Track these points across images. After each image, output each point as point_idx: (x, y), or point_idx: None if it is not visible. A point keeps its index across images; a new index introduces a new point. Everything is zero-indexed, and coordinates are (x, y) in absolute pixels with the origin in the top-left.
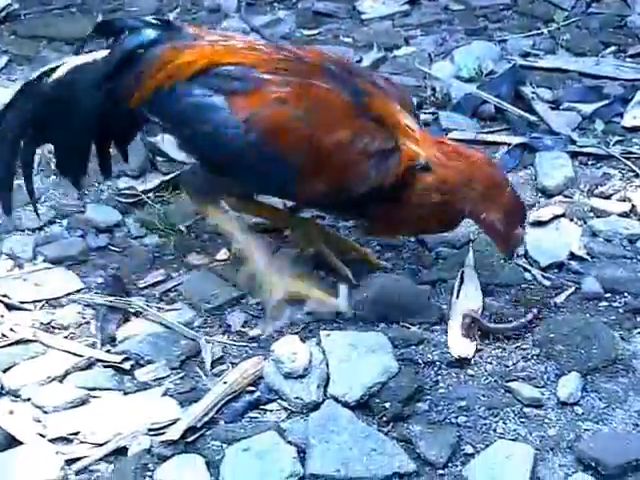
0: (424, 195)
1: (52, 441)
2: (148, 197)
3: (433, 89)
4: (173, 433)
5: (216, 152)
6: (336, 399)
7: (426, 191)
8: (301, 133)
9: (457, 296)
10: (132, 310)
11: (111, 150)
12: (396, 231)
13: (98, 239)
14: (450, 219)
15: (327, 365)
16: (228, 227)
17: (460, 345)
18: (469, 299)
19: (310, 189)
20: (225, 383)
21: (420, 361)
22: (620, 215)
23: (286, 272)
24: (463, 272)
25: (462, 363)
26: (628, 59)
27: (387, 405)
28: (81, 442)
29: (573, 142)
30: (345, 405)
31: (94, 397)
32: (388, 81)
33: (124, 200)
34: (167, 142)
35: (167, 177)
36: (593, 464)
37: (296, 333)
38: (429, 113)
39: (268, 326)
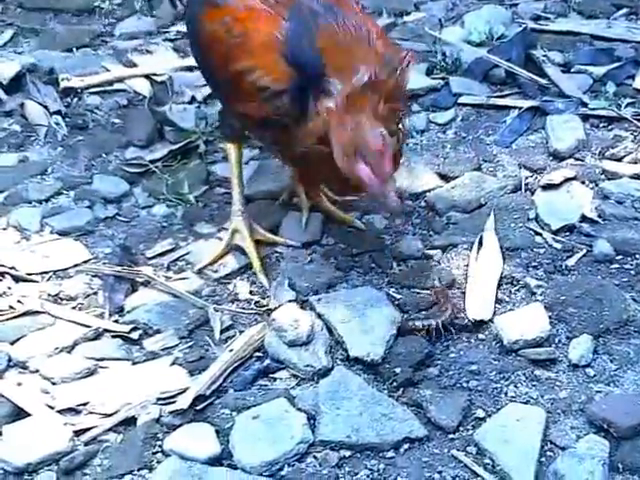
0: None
1: (60, 412)
2: (156, 167)
3: (443, 54)
4: (182, 402)
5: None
6: (359, 361)
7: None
8: (220, 54)
9: (476, 259)
10: (140, 280)
11: None
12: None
13: (106, 210)
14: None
15: (330, 330)
16: (231, 169)
17: (478, 308)
18: (489, 263)
19: (230, 109)
20: (231, 351)
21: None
22: (632, 177)
23: (251, 224)
24: (482, 236)
25: (478, 327)
26: None
27: (397, 370)
28: (90, 413)
29: (584, 105)
30: (371, 365)
31: (102, 367)
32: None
33: (132, 170)
34: (175, 111)
35: (175, 146)
36: (605, 426)
37: (292, 301)
38: (439, 78)
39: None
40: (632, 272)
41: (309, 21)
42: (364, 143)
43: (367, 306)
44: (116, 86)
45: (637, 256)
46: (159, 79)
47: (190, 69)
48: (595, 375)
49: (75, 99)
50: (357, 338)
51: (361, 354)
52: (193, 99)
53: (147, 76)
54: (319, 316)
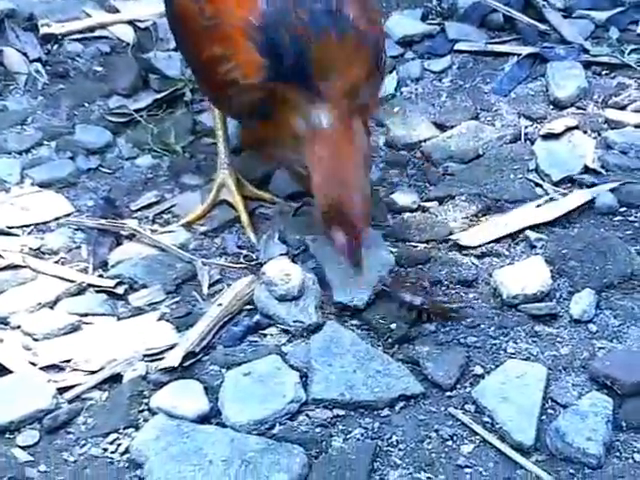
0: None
1: (43, 369)
2: (140, 116)
3: None
4: (172, 359)
5: None
6: (343, 306)
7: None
8: (191, 36)
9: None
10: (125, 233)
11: None
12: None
13: (88, 161)
14: None
15: (321, 283)
16: (214, 122)
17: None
18: None
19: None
20: (220, 305)
21: (427, 281)
22: (636, 126)
23: (238, 178)
24: None
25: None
26: None
27: (393, 326)
28: (73, 370)
29: (586, 51)
30: (356, 310)
31: (86, 323)
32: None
33: (115, 120)
34: (160, 58)
35: (160, 95)
36: (608, 383)
37: (283, 254)
38: (435, 24)
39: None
40: (636, 225)
41: (290, 5)
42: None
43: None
44: (98, 32)
45: None
46: (143, 25)
47: None
48: (597, 331)
49: (55, 46)
50: (344, 282)
51: (345, 299)
52: None
53: (130, 22)
54: (311, 257)
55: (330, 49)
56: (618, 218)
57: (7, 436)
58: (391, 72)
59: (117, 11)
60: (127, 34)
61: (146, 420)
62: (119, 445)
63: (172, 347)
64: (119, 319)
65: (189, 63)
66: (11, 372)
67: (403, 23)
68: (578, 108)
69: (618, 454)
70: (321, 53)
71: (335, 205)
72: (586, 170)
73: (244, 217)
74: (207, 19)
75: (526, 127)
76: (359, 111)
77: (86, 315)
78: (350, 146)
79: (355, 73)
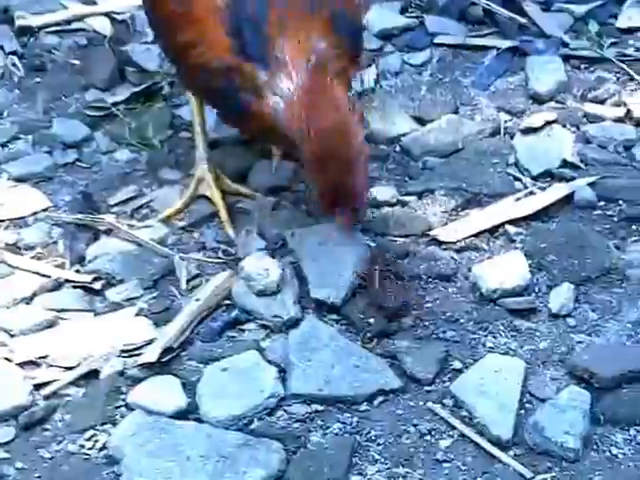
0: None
1: (20, 365)
2: (118, 110)
3: None
4: (149, 355)
5: None
6: (321, 302)
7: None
8: (163, 20)
9: None
10: (102, 228)
11: None
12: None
13: (66, 155)
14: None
15: (300, 278)
16: (193, 115)
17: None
18: None
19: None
20: (198, 300)
21: (406, 275)
22: (615, 120)
23: (217, 172)
24: None
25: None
26: None
27: (371, 321)
28: (50, 366)
29: (565, 45)
30: (331, 308)
31: (63, 319)
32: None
33: (93, 113)
34: (137, 51)
35: (138, 88)
36: (586, 376)
37: (261, 249)
38: (414, 17)
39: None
40: (615, 219)
41: None
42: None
43: (339, 243)
44: (75, 25)
45: (620, 202)
46: (120, 18)
47: None
48: (576, 325)
49: (32, 39)
50: (322, 279)
51: (322, 296)
52: None
53: (107, 14)
54: (290, 252)
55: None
56: (597, 212)
57: None
58: (370, 66)
59: (94, 3)
60: (104, 27)
61: (123, 416)
62: (96, 441)
63: (150, 342)
64: (96, 314)
65: (164, 49)
66: None
67: (382, 16)
68: (557, 102)
69: (596, 448)
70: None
71: (335, 184)
72: (565, 164)
73: (222, 212)
74: (178, 3)
75: (505, 121)
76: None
77: (63, 311)
78: (337, 109)
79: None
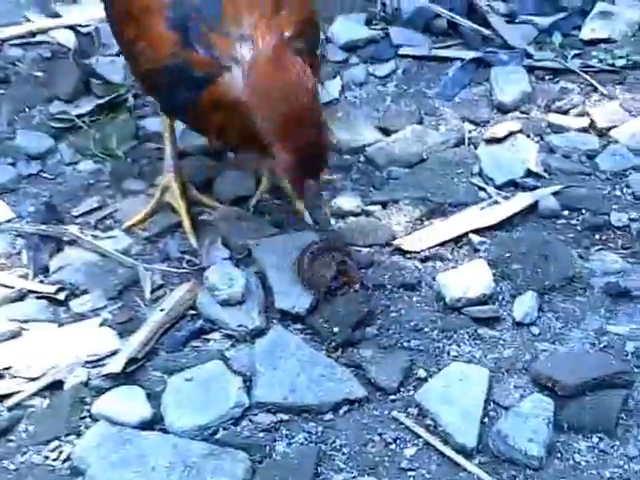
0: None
1: None
2: (82, 121)
3: (383, 4)
4: (114, 366)
5: None
6: (286, 312)
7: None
8: (115, 16)
9: None
10: (66, 239)
11: None
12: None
13: (29, 166)
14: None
15: (264, 287)
16: (163, 123)
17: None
18: None
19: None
20: (162, 310)
21: (370, 284)
22: (578, 130)
23: (183, 181)
24: None
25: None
26: None
27: (336, 330)
28: (14, 377)
29: (529, 56)
30: (296, 318)
31: (27, 330)
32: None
33: (56, 125)
34: (101, 63)
35: (102, 100)
36: (549, 384)
37: (226, 259)
38: (379, 29)
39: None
40: (578, 228)
41: None
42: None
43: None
44: (39, 37)
45: (583, 211)
46: (84, 30)
47: None
48: (540, 333)
49: None
50: (287, 289)
51: (287, 306)
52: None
53: (72, 27)
54: (255, 262)
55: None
56: (560, 221)
57: None
58: (335, 77)
59: (58, 16)
60: (68, 39)
61: (88, 427)
62: (61, 452)
63: (114, 353)
64: (60, 325)
65: (121, 50)
66: None
67: (347, 28)
68: (521, 112)
69: (559, 455)
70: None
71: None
72: (529, 174)
73: (186, 222)
74: (126, 1)
75: (470, 131)
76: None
77: (27, 321)
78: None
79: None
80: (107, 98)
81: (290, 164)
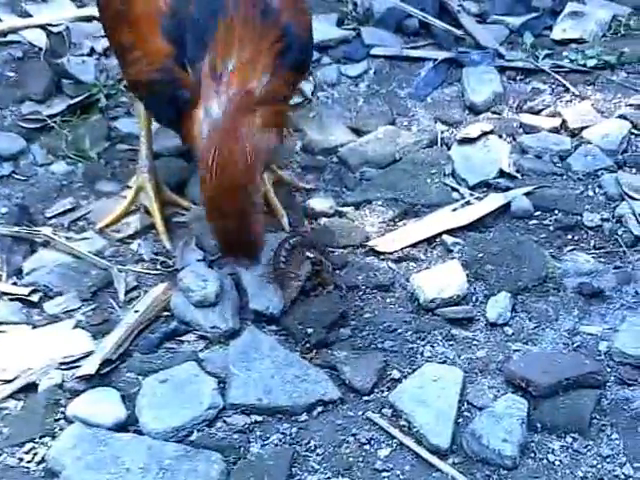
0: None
1: None
2: (54, 122)
3: (354, 4)
4: (89, 367)
5: None
6: (259, 313)
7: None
8: (109, 19)
9: None
10: (39, 240)
11: None
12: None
13: (2, 167)
14: None
15: (239, 289)
16: (139, 123)
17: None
18: None
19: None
20: (137, 312)
21: (344, 286)
22: (550, 131)
23: (157, 182)
24: None
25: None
26: None
27: (310, 331)
28: None
29: (501, 56)
30: (270, 319)
31: (0, 332)
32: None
33: (28, 126)
34: (73, 63)
35: (74, 100)
36: (523, 385)
37: (200, 260)
38: (350, 29)
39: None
40: (551, 228)
41: None
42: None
43: None
44: (10, 37)
45: (556, 212)
46: (56, 30)
47: (89, 19)
48: (513, 333)
49: None
50: (261, 290)
51: (261, 307)
52: (92, 51)
53: (43, 27)
54: (228, 263)
55: (233, 35)
56: (533, 222)
57: None
58: (307, 77)
59: (29, 16)
60: (40, 39)
61: (62, 429)
62: (35, 454)
63: (88, 355)
64: (34, 327)
65: (111, 49)
66: None
67: (319, 28)
68: (493, 113)
69: (533, 455)
70: (223, 39)
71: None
72: (501, 174)
73: (159, 223)
74: (121, 3)
75: (442, 132)
76: (267, 103)
77: (0, 324)
78: (236, 143)
79: (262, 62)
80: (79, 98)
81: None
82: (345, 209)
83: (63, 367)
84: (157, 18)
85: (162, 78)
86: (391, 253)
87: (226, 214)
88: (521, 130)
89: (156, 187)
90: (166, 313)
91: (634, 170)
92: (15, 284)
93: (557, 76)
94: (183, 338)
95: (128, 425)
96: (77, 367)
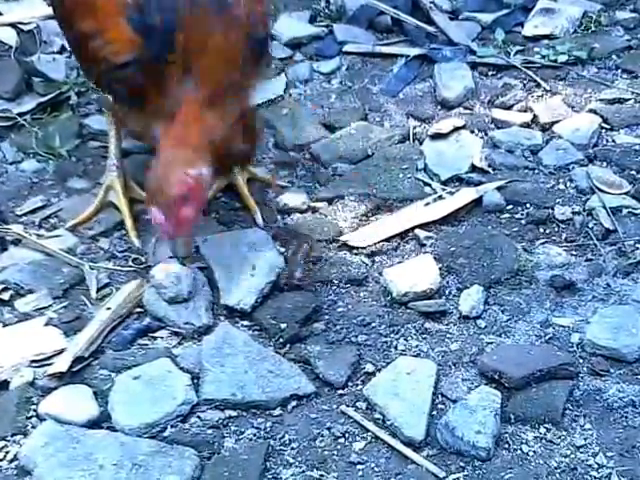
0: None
1: None
2: (25, 120)
3: (327, 1)
4: (60, 364)
5: None
6: (231, 309)
7: None
8: (66, 7)
9: None
10: (10, 238)
11: None
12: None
13: None
14: None
15: (211, 285)
16: (108, 122)
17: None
18: None
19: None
20: (109, 309)
21: (317, 280)
22: (521, 126)
23: (126, 181)
24: None
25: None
26: None
27: (283, 326)
28: None
29: (473, 53)
30: (243, 314)
31: None
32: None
33: None
34: (44, 61)
35: (44, 98)
36: (496, 377)
37: (172, 257)
38: (323, 26)
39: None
40: (523, 222)
41: None
42: (164, 185)
43: (251, 250)
44: None
45: (527, 205)
46: (26, 28)
47: None
48: (486, 326)
49: None
50: (233, 285)
51: (232, 302)
52: (63, 49)
53: (13, 25)
54: (202, 258)
55: (202, 27)
56: (505, 215)
57: None
58: (280, 74)
59: (0, 14)
60: (10, 37)
61: (34, 426)
62: (7, 452)
63: (60, 352)
64: (5, 325)
65: (66, 36)
66: None
67: (291, 25)
68: (465, 108)
69: (507, 446)
70: (192, 32)
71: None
72: (473, 169)
73: (128, 221)
74: None
75: (414, 127)
76: (233, 93)
77: None
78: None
79: (227, 54)
80: (49, 96)
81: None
82: (318, 204)
83: (35, 365)
84: (123, 8)
85: (124, 68)
86: (364, 248)
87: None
88: (493, 125)
89: (125, 185)
90: (139, 310)
91: (604, 164)
92: None
93: (528, 72)
94: (156, 334)
95: (101, 422)
96: (49, 365)
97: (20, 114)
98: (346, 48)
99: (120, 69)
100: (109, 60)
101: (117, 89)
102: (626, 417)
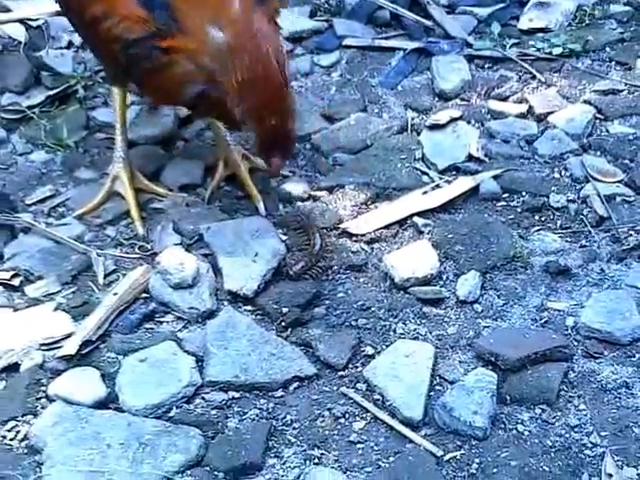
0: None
1: None
2: (33, 112)
3: None
4: (69, 347)
5: None
6: (234, 294)
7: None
8: None
9: None
10: (20, 226)
11: None
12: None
13: None
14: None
15: (215, 270)
16: (115, 113)
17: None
18: None
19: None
20: (116, 294)
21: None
22: (517, 116)
23: (132, 171)
24: None
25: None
26: None
27: (285, 310)
28: None
29: (469, 46)
30: (247, 299)
31: None
32: None
33: (8, 116)
34: (52, 56)
35: (53, 92)
36: (492, 359)
37: (177, 244)
38: (323, 20)
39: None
40: (518, 209)
41: None
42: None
43: (254, 237)
44: None
45: (523, 193)
46: (34, 24)
47: None
48: (482, 310)
49: None
50: (236, 271)
51: (235, 288)
52: (70, 44)
53: (22, 21)
54: (206, 246)
55: None
56: (501, 203)
57: None
58: None
59: (8, 10)
60: (19, 33)
61: (44, 407)
62: (18, 432)
63: (69, 336)
64: (15, 310)
65: (76, 28)
66: None
67: (292, 20)
68: (462, 100)
69: (503, 426)
70: None
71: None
72: (470, 158)
73: (133, 210)
74: None
75: (412, 118)
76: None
77: None
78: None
79: None
80: (57, 90)
81: (259, 143)
82: (319, 193)
83: (44, 348)
84: None
85: (143, 41)
86: (364, 235)
87: (272, 111)
88: (489, 116)
89: (131, 175)
90: (145, 295)
91: (598, 153)
92: None
93: (524, 64)
94: (162, 319)
95: (108, 403)
96: (58, 348)
97: (29, 107)
98: (346, 42)
99: (137, 45)
100: (124, 37)
101: (134, 72)
102: (619, 398)
